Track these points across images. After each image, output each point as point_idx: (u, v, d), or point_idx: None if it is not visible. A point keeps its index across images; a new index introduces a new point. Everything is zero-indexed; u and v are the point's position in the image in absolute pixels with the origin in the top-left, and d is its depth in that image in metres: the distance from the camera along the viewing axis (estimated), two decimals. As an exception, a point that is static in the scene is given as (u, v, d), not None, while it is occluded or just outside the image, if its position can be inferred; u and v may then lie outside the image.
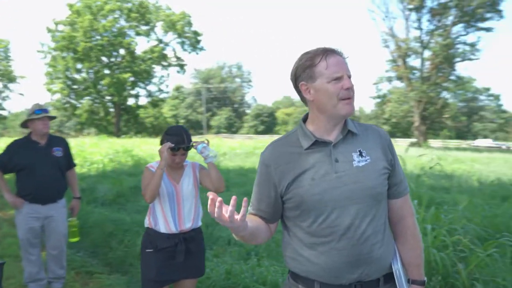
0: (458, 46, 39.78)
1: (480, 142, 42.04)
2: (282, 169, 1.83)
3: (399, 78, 42.06)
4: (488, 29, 38.70)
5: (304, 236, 1.83)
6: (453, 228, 4.58)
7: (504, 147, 39.04)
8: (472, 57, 39.54)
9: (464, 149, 31.90)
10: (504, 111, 61.37)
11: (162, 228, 3.19)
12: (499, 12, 37.57)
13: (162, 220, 3.20)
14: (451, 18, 38.98)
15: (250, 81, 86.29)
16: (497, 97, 53.68)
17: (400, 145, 40.87)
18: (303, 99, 1.89)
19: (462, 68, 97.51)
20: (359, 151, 1.84)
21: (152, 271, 3.16)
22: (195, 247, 3.27)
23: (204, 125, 69.26)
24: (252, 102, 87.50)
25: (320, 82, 1.78)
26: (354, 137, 1.87)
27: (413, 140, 40.97)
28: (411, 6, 39.27)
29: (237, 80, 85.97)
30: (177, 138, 3.16)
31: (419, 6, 38.97)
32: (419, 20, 40.16)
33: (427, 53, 40.41)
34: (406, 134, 49.00)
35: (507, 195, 8.93)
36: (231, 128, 74.20)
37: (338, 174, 1.77)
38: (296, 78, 1.86)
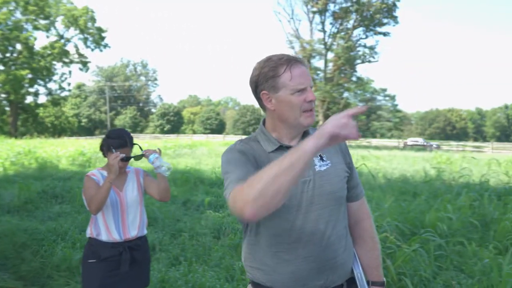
0: (358, 48, 41.85)
1: (411, 141, 44.04)
2: (256, 160, 1.78)
3: (305, 78, 43.15)
4: (385, 34, 41.08)
5: (268, 243, 1.79)
6: (378, 226, 4.82)
7: (434, 146, 41.06)
8: (371, 59, 41.74)
9: (366, 147, 33.47)
10: (399, 111, 65.22)
11: (105, 237, 3.05)
12: (394, 18, 40.07)
13: (104, 229, 3.06)
14: (352, 22, 40.91)
15: (155, 79, 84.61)
16: (392, 98, 56.63)
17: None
18: (262, 106, 1.86)
19: (362, 70, 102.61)
20: (320, 155, 1.84)
21: (95, 283, 3.02)
22: (140, 256, 3.17)
23: (108, 124, 66.97)
24: (157, 101, 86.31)
25: (283, 93, 1.75)
26: None
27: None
28: (315, 9, 40.63)
29: (142, 78, 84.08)
30: (120, 141, 3.04)
31: (322, 10, 40.41)
32: (322, 23, 41.66)
33: (330, 55, 42.05)
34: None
35: (415, 191, 9.49)
36: (136, 127, 72.50)
37: (303, 179, 1.76)
38: (257, 85, 1.81)
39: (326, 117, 41.88)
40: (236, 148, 1.82)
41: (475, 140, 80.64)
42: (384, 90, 52.75)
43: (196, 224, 6.90)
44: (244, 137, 1.98)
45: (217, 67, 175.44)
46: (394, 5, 39.38)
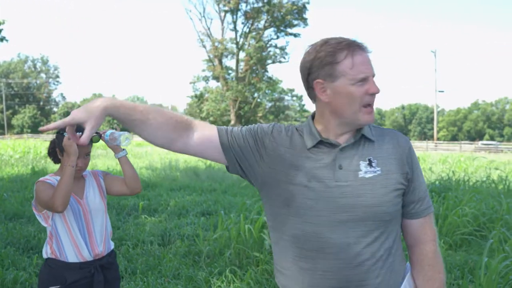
0: (270, 49, 42.37)
1: None
2: (281, 150, 1.59)
3: (216, 77, 43.08)
4: (295, 35, 41.94)
5: (286, 246, 1.58)
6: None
7: None
8: (282, 59, 42.43)
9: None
10: (306, 111, 67.19)
11: (72, 257, 2.56)
12: (304, 20, 41.02)
13: (70, 246, 2.56)
14: (263, 22, 41.31)
15: (57, 77, 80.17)
16: (300, 98, 58.08)
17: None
18: (313, 97, 1.60)
19: (273, 70, 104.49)
20: (369, 159, 1.55)
21: (62, 315, 2.50)
22: (112, 276, 2.73)
23: (4, 124, 62.51)
24: (60, 99, 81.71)
25: (341, 83, 1.50)
26: (366, 143, 1.59)
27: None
28: (226, 8, 40.53)
29: (42, 75, 79.23)
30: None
31: (234, 9, 40.40)
32: (234, 22, 41.63)
33: (242, 54, 42.08)
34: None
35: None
36: (37, 127, 68.29)
37: (339, 183, 1.51)
38: (310, 72, 1.55)
39: (238, 116, 42.01)
40: (262, 126, 1.67)
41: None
42: (292, 90, 53.91)
43: (137, 231, 6.40)
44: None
45: (123, 65, 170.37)
46: (304, 7, 40.30)
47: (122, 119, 1.51)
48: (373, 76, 1.53)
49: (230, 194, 9.90)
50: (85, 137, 1.42)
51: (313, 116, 1.66)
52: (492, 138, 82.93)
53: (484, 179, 10.21)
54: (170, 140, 1.57)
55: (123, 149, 2.71)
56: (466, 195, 7.02)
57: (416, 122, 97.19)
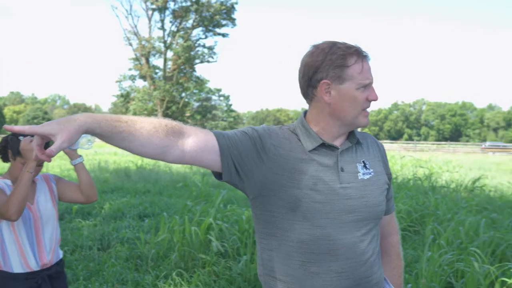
0: (198, 48, 42.12)
1: None
2: (282, 153, 1.56)
3: (142, 76, 42.27)
4: (224, 35, 41.99)
5: (293, 250, 1.55)
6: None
7: None
8: (210, 59, 42.33)
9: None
10: (233, 111, 67.44)
11: (17, 267, 2.42)
12: (233, 20, 41.15)
13: (17, 255, 2.42)
14: (191, 21, 41.01)
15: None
16: (227, 98, 58.20)
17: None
18: (311, 96, 1.61)
19: (201, 70, 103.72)
20: (363, 162, 1.65)
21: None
22: (60, 285, 2.61)
23: None
24: (-27, 97, 76.82)
25: (348, 86, 1.54)
26: (358, 146, 1.68)
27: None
28: (154, 6, 39.85)
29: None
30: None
31: (162, 7, 39.84)
32: (162, 21, 41.05)
33: (170, 54, 41.55)
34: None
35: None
36: None
37: (343, 185, 1.56)
38: (317, 72, 1.56)
39: (166, 116, 41.45)
40: (260, 128, 1.61)
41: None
42: (219, 90, 53.93)
43: (74, 235, 6.16)
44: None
45: (44, 63, 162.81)
46: (233, 7, 40.42)
47: (106, 135, 1.36)
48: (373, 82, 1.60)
49: (166, 196, 9.75)
50: (51, 151, 1.27)
51: (304, 114, 1.68)
52: (410, 137, 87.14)
53: (411, 176, 10.70)
54: (164, 149, 1.44)
55: (80, 156, 2.59)
56: (399, 192, 7.32)
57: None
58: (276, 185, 1.53)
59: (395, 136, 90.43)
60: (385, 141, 57.26)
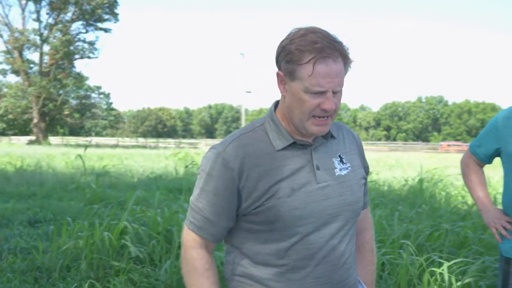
0: (78, 43, 40.00)
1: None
2: (252, 174, 1.41)
3: (15, 71, 39.20)
4: (106, 30, 40.30)
5: (268, 259, 1.45)
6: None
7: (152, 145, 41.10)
8: (91, 55, 40.43)
9: (87, 146, 32.36)
10: (113, 109, 65.29)
11: None
12: (115, 15, 39.62)
13: None
14: (70, 14, 38.82)
15: None
16: (107, 95, 56.17)
17: (17, 143, 38.73)
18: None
19: (81, 66, 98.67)
20: (340, 156, 1.53)
21: None
22: None
23: None
24: None
25: (297, 85, 1.37)
26: (332, 139, 1.54)
27: (32, 137, 39.34)
28: (27, -5, 37.13)
29: None
30: None
31: (37, -3, 37.22)
32: (38, 12, 38.36)
33: (46, 48, 38.95)
34: (23, 131, 46.36)
35: (177, 187, 9.43)
36: None
37: (321, 184, 1.44)
38: (277, 59, 1.43)
39: (42, 114, 38.94)
40: (226, 156, 1.42)
41: (183, 137, 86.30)
42: (99, 88, 51.89)
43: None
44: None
45: None
46: (115, 2, 38.90)
47: None
48: (339, 89, 1.38)
49: (55, 199, 8.97)
50: None
51: (275, 105, 1.53)
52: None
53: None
54: None
55: None
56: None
57: (222, 121, 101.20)
58: (254, 206, 1.42)
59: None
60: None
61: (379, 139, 78.90)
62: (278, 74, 1.43)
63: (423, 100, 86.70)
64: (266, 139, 1.46)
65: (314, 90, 1.34)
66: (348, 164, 1.54)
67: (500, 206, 2.44)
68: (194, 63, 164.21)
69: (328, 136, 1.51)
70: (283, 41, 1.41)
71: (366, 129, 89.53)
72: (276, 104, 1.53)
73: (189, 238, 1.48)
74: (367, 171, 1.66)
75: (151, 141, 50.99)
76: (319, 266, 1.45)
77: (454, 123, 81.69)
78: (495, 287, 3.25)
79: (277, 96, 1.51)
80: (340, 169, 1.50)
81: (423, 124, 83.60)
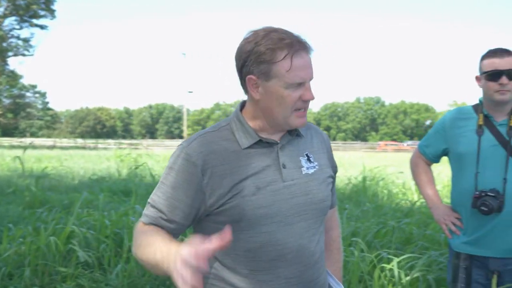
0: (11, 40, 38.35)
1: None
2: (217, 171, 1.41)
3: None
4: (42, 27, 38.81)
5: (239, 261, 1.44)
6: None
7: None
8: (25, 52, 38.89)
9: (21, 147, 31.14)
10: (50, 109, 63.24)
11: None
12: (52, 12, 38.23)
13: None
14: (2, 9, 37.12)
15: None
16: (43, 95, 54.46)
17: None
18: (244, 89, 1.48)
19: (15, 64, 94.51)
20: (307, 155, 1.55)
21: None
22: None
23: None
24: None
25: (275, 84, 1.40)
26: (299, 138, 1.57)
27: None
28: (-47, -12, 35.23)
29: None
30: None
31: (-36, -10, 35.39)
32: (-34, 6, 36.42)
33: (-24, 44, 37.10)
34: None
35: (121, 189, 9.23)
36: None
37: (287, 183, 1.46)
38: (244, 64, 1.42)
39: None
40: (190, 151, 1.43)
41: (124, 138, 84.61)
42: (34, 86, 50.10)
43: None
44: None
45: None
46: (52, -3, 37.52)
47: None
48: (311, 79, 1.45)
49: (-14, 203, 8.55)
50: None
51: (242, 106, 1.54)
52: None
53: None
54: None
55: None
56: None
57: (164, 122, 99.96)
58: (218, 204, 1.41)
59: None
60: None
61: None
62: (249, 79, 1.42)
63: (362, 100, 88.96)
64: (231, 137, 1.47)
65: (295, 82, 1.39)
66: (316, 163, 1.55)
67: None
68: (134, 62, 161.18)
69: (294, 133, 1.53)
70: (244, 46, 1.42)
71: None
72: (242, 105, 1.55)
73: (136, 227, 1.48)
74: (335, 171, 1.68)
75: (90, 142, 49.61)
76: (291, 267, 1.45)
77: (390, 123, 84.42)
78: (442, 280, 3.40)
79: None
80: (307, 168, 1.52)
81: (362, 124, 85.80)
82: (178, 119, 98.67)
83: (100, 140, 53.02)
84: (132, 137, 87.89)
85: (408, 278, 3.41)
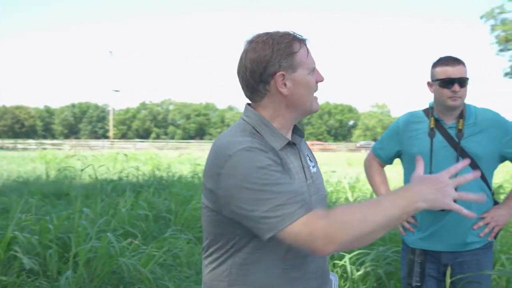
0: None
1: None
2: (282, 164, 1.42)
3: None
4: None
5: (278, 259, 1.43)
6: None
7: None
8: None
9: None
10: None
11: None
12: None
13: None
14: None
15: None
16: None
17: None
18: (263, 92, 1.49)
19: None
20: (307, 155, 1.65)
21: None
22: None
23: None
24: None
25: (301, 73, 1.49)
26: (300, 138, 1.66)
27: None
28: None
29: None
30: None
31: None
32: None
33: None
34: None
35: (53, 191, 8.91)
36: None
37: (308, 181, 1.54)
38: (268, 66, 1.45)
39: None
40: (256, 146, 1.35)
41: (44, 137, 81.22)
42: None
43: None
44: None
45: None
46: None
47: None
48: None
49: None
50: None
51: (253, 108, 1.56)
52: (158, 136, 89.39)
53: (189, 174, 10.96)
54: None
55: None
56: (193, 190, 7.41)
57: (87, 121, 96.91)
58: None
59: (143, 135, 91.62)
60: (136, 140, 56.99)
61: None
62: (278, 76, 1.45)
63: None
64: (264, 141, 1.46)
65: (313, 66, 1.52)
66: (313, 162, 1.66)
67: None
68: (57, 60, 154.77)
69: (302, 134, 1.64)
70: (261, 50, 1.45)
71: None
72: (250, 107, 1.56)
73: (306, 227, 1.26)
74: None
75: (8, 142, 47.08)
76: (315, 261, 1.52)
77: (316, 123, 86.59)
78: (390, 274, 3.59)
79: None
80: (313, 167, 1.62)
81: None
82: (102, 119, 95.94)
83: (20, 140, 50.46)
84: (53, 137, 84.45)
85: (359, 273, 3.56)
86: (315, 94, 1.55)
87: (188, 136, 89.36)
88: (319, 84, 1.56)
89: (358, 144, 49.70)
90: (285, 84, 1.48)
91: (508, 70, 34.48)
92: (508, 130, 2.46)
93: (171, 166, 13.82)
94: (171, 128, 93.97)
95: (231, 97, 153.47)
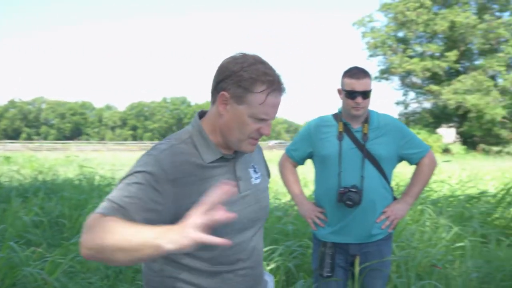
0: None
1: None
2: (186, 182, 1.48)
3: None
4: None
5: (201, 265, 1.56)
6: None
7: None
8: None
9: None
10: None
11: None
12: None
13: None
14: None
15: None
16: None
17: None
18: (213, 99, 1.56)
19: None
20: (253, 166, 1.72)
21: None
22: None
23: None
24: None
25: (243, 110, 1.50)
26: None
27: None
28: None
29: None
30: None
31: None
32: None
33: None
34: None
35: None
36: None
37: (243, 194, 1.61)
38: (224, 80, 1.50)
39: None
40: (160, 159, 1.47)
41: None
42: None
43: None
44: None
45: None
46: None
47: None
48: (273, 118, 1.57)
49: None
50: None
51: (200, 115, 1.64)
52: (29, 136, 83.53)
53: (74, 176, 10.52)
54: None
55: None
56: (88, 193, 7.18)
57: None
58: (183, 215, 1.30)
59: (13, 135, 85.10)
60: (5, 141, 52.59)
61: (126, 139, 78.60)
62: (222, 95, 1.49)
63: (168, 100, 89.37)
64: (195, 152, 1.54)
65: (261, 117, 1.50)
66: (259, 173, 1.72)
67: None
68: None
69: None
70: (230, 64, 1.50)
71: (112, 128, 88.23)
72: (200, 114, 1.64)
73: (88, 219, 1.32)
74: (269, 176, 1.88)
75: None
76: (245, 264, 1.63)
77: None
78: (298, 267, 3.84)
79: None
80: (255, 178, 1.68)
81: (168, 123, 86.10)
82: None
83: None
84: None
85: (271, 267, 3.76)
86: (252, 138, 1.55)
87: (63, 136, 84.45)
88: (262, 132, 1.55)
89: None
90: (225, 106, 1.51)
91: (377, 74, 37.47)
92: (404, 134, 2.77)
93: (54, 169, 13.12)
94: (44, 128, 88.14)
95: (109, 95, 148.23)
